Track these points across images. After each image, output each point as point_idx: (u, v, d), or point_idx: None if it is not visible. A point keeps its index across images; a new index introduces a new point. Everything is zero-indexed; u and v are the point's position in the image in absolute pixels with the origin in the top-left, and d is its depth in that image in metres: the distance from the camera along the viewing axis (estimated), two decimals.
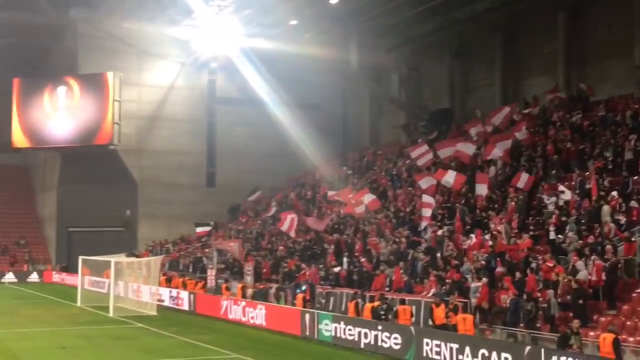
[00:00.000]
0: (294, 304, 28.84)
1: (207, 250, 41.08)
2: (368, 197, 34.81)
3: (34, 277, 56.02)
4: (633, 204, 23.69)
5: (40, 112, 51.64)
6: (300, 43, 46.31)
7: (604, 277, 20.70)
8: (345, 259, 31.84)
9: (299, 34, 46.55)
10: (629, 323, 19.72)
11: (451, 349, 19.12)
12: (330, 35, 46.14)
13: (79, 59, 51.83)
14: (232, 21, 47.02)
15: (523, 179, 27.88)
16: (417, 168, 36.97)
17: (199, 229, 45.36)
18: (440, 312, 21.72)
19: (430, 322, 22.29)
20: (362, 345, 22.49)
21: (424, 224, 30.30)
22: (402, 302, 23.97)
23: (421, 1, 40.38)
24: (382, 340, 21.75)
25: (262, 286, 32.81)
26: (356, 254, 32.19)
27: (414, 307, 23.63)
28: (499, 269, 23.94)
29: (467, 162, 32.81)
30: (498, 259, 24.61)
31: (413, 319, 23.04)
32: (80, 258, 39.18)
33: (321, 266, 32.49)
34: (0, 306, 36.68)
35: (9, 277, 55.33)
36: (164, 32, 50.31)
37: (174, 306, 35.35)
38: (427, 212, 30.01)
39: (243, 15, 46.26)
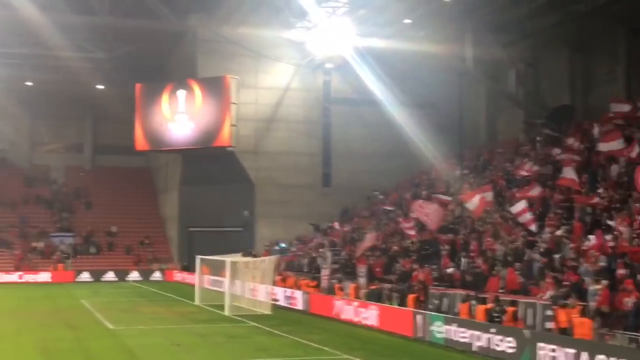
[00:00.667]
0: (406, 305, 28.63)
1: (321, 250, 41.33)
2: (483, 196, 34.08)
3: (156, 275, 58.11)
4: None
5: (161, 116, 53.19)
6: (414, 41, 45.89)
7: None
8: (462, 259, 31.30)
9: (413, 32, 46.07)
10: None
11: (567, 354, 18.50)
12: (445, 33, 45.38)
13: (197, 63, 53.20)
14: (346, 22, 47.01)
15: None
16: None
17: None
18: (563, 315, 20.98)
19: (551, 325, 21.67)
20: (474, 348, 22.09)
21: (532, 227, 29.51)
22: (513, 304, 23.31)
23: None
24: (495, 344, 21.26)
25: (374, 286, 32.68)
26: (471, 254, 31.60)
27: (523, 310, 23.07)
28: (621, 271, 22.97)
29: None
30: (619, 260, 23.62)
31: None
32: (198, 258, 40.12)
33: (435, 267, 32.05)
34: (123, 304, 38.12)
35: (134, 275, 57.64)
36: (279, 35, 51.00)
37: (289, 305, 35.72)
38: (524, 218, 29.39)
39: (357, 15, 46.23)
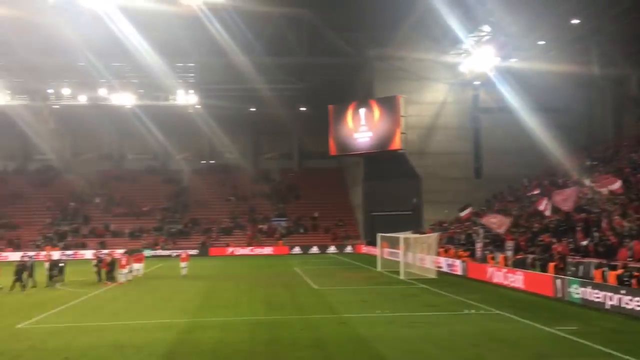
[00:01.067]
0: (547, 272, 27.03)
1: (475, 228, 40.03)
2: (612, 182, 31.60)
3: (348, 249, 58.77)
4: None
5: (347, 128, 53.83)
6: (546, 59, 43.33)
7: None
8: (594, 234, 29.16)
9: (544, 52, 43.51)
10: None
11: None
12: (572, 50, 42.47)
13: (374, 86, 53.29)
14: (490, 47, 45.32)
15: None
16: None
17: (463, 213, 44.46)
18: None
19: None
20: (607, 307, 20.41)
21: None
22: None
23: None
24: (625, 303, 19.55)
25: (520, 256, 31.14)
26: (603, 229, 29.33)
27: None
28: None
29: None
30: None
31: None
32: (379, 235, 40.16)
33: (571, 240, 30.05)
34: (324, 270, 38.65)
35: (332, 249, 58.63)
36: (436, 60, 50.04)
37: (450, 272, 34.94)
38: None
39: (498, 41, 44.37)
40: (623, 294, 19.78)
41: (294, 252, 57.56)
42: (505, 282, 28.18)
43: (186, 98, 57.80)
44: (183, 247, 53.45)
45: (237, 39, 47.08)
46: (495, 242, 37.06)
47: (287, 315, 20.51)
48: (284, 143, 72.46)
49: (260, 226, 62.33)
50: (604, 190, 31.34)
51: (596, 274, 23.38)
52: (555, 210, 35.56)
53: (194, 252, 53.81)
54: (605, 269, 23.13)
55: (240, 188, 67.19)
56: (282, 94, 56.76)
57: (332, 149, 55.44)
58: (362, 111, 52.69)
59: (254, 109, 63.40)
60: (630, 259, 23.99)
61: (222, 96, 57.80)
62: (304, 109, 62.27)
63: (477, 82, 51.13)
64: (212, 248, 57.44)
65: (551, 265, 26.50)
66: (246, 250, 57.62)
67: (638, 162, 35.66)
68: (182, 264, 34.96)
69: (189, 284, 31.18)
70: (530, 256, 30.86)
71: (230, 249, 57.29)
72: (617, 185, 31.20)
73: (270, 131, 70.35)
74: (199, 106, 58.97)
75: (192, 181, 67.38)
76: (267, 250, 57.90)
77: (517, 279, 27.25)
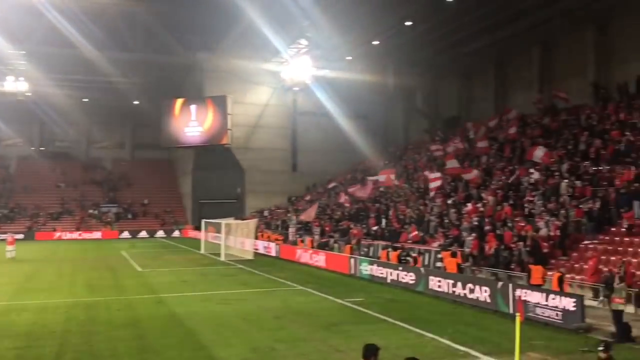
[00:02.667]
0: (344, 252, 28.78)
1: (289, 214, 41.33)
2: (395, 176, 34.54)
3: (176, 233, 57.52)
4: (582, 182, 22.81)
5: (178, 122, 52.38)
6: (354, 71, 45.72)
7: (558, 233, 19.98)
8: (383, 220, 31.63)
9: (353, 66, 45.94)
10: (576, 265, 18.98)
11: (448, 283, 18.78)
12: (375, 66, 45.33)
13: (204, 85, 52.40)
14: (307, 58, 46.88)
15: (538, 154, 26.36)
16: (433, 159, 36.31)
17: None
18: (448, 258, 21.24)
19: (440, 264, 21.99)
20: (388, 281, 22.29)
21: (432, 193, 29.85)
22: (420, 253, 23.39)
23: (439, 39, 39.32)
24: (402, 277, 21.52)
25: (324, 240, 32.78)
26: (390, 217, 31.93)
27: (424, 255, 23.33)
28: (487, 227, 23.41)
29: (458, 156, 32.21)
30: (487, 220, 24.08)
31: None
32: (203, 221, 39.83)
33: (364, 226, 32.26)
34: (150, 253, 37.48)
35: (160, 233, 56.99)
36: (260, 66, 50.45)
37: (266, 253, 35.55)
38: (435, 184, 29.60)
39: (314, 54, 46.05)
40: (400, 270, 21.71)
41: (123, 237, 55.16)
42: (311, 262, 29.35)
43: (16, 85, 52.54)
44: (9, 231, 48.59)
45: (73, 29, 43.67)
46: (306, 227, 38.70)
47: (106, 296, 19.64)
48: (117, 133, 68.80)
49: (90, 212, 58.80)
50: (383, 181, 34.05)
51: (382, 254, 25.38)
52: (356, 200, 38.02)
53: (19, 236, 49.18)
54: (390, 249, 25.23)
55: (71, 175, 62.74)
56: (116, 86, 53.73)
57: (164, 141, 53.69)
58: (193, 107, 51.59)
59: (87, 100, 59.36)
60: (410, 242, 26.45)
61: (55, 85, 53.32)
62: (137, 102, 59.54)
63: (296, 88, 52.38)
64: (38, 232, 53.07)
65: (347, 247, 28.25)
66: (74, 235, 54.13)
67: (418, 163, 39.18)
68: (9, 247, 32.76)
69: (14, 267, 28.63)
70: (332, 239, 32.68)
71: (57, 234, 53.39)
72: (392, 177, 33.97)
73: (104, 121, 66.34)
74: (30, 94, 53.92)
75: (21, 167, 61.54)
76: (96, 234, 54.89)
77: (320, 259, 28.54)
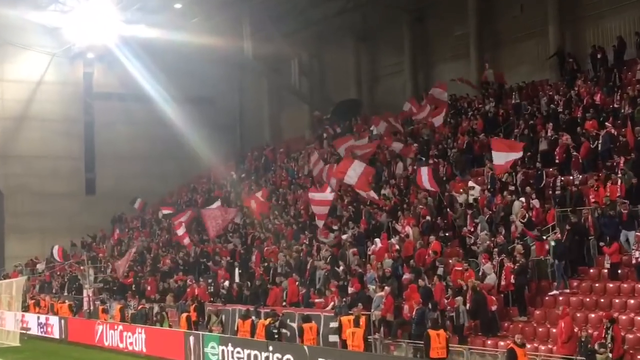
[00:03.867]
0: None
1: (82, 267, 40.01)
2: (258, 199, 34.82)
3: None
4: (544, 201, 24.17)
5: None
6: (187, 30, 45.21)
7: (512, 281, 20.87)
8: (237, 272, 31.50)
9: (185, 20, 45.53)
10: (540, 330, 19.92)
11: None
12: (220, 20, 45.30)
13: None
14: (109, 6, 45.77)
15: (424, 177, 27.46)
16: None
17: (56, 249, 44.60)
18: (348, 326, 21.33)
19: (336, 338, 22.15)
20: None
21: (320, 222, 30.21)
22: (307, 319, 23.37)
23: None
24: None
25: (143, 306, 31.93)
26: (251, 265, 31.85)
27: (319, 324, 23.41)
28: (406, 276, 23.92)
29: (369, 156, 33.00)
30: (405, 264, 24.60)
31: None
32: None
33: (210, 281, 31.94)
34: None
35: None
36: (26, 18, 48.47)
37: (43, 334, 34.39)
38: (322, 209, 30.03)
39: None
40: (271, 352, 21.64)
41: None
42: (122, 345, 28.78)
43: None
44: None
45: None
46: (113, 286, 37.66)
47: None
48: None
49: None
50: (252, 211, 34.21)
51: (240, 324, 25.06)
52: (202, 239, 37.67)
53: None
54: (253, 317, 24.98)
55: None
56: None
57: None
58: None
59: None
60: (285, 304, 26.48)
61: None
62: None
63: (90, 55, 51.25)
64: None
65: (183, 316, 27.65)
66: None
67: (294, 175, 39.69)
68: None
69: None
70: (158, 305, 31.90)
71: None
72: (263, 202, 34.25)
73: None
74: None
75: None
76: None
77: (137, 340, 28.02)
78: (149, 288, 34.93)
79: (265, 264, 30.85)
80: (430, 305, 21.62)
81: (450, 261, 23.53)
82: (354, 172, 29.84)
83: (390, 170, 32.98)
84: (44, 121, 51.86)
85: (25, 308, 36.52)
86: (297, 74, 49.55)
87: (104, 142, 53.33)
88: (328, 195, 30.89)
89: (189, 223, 38.99)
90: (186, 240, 37.31)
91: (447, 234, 25.99)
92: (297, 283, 27.27)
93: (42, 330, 34.77)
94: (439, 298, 21.89)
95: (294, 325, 24.06)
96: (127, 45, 47.78)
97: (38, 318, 35.54)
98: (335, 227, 30.73)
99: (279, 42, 46.88)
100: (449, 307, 21.48)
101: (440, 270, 23.32)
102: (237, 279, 30.91)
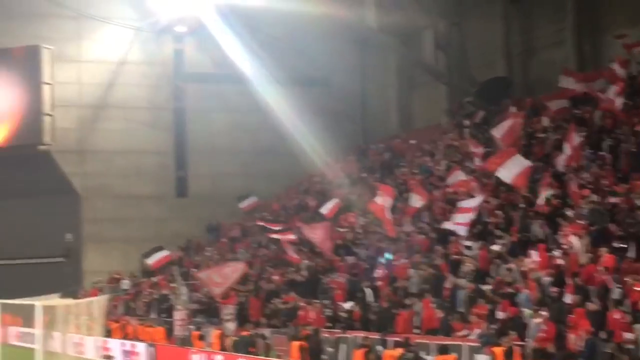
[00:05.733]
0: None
1: (174, 285, 40.95)
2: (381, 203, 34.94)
3: None
4: None
5: None
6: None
7: None
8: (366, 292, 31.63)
9: None
10: None
11: None
12: None
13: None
14: None
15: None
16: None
17: (152, 259, 45.45)
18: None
19: None
20: None
21: (462, 229, 30.13)
22: (443, 350, 23.48)
23: None
24: None
25: (246, 332, 32.43)
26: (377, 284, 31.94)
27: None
28: (571, 298, 23.61)
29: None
30: (569, 283, 24.29)
31: None
32: None
33: (326, 302, 32.24)
34: None
35: None
36: None
37: None
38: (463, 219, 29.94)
39: None
40: None
41: None
42: None
43: None
44: None
45: None
46: (209, 309, 38.34)
47: None
48: None
49: None
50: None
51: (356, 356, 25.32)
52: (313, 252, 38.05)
53: None
54: (379, 348, 25.15)
55: None
56: None
57: None
58: None
59: None
60: (417, 331, 26.57)
61: None
62: None
63: (181, 29, 52.29)
64: None
65: (294, 345, 28.07)
66: None
67: (432, 170, 39.65)
68: None
69: None
70: (267, 330, 32.36)
71: None
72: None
73: None
74: None
75: None
76: None
77: None
78: (251, 312, 35.43)
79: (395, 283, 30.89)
80: (603, 335, 21.31)
81: (628, 279, 23.08)
82: (513, 167, 29.84)
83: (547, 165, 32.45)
84: (126, 109, 53.24)
85: (107, 333, 37.34)
86: (432, 48, 49.31)
87: (198, 134, 54.38)
88: (474, 201, 30.86)
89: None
90: (294, 256, 37.74)
91: (623, 245, 25.45)
92: (433, 305, 27.19)
93: (127, 359, 35.55)
94: (614, 326, 21.53)
95: (429, 358, 24.04)
96: (225, 17, 48.73)
97: (122, 345, 36.36)
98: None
99: (410, 9, 46.93)
100: (627, 338, 21.07)
101: (615, 292, 22.91)
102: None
